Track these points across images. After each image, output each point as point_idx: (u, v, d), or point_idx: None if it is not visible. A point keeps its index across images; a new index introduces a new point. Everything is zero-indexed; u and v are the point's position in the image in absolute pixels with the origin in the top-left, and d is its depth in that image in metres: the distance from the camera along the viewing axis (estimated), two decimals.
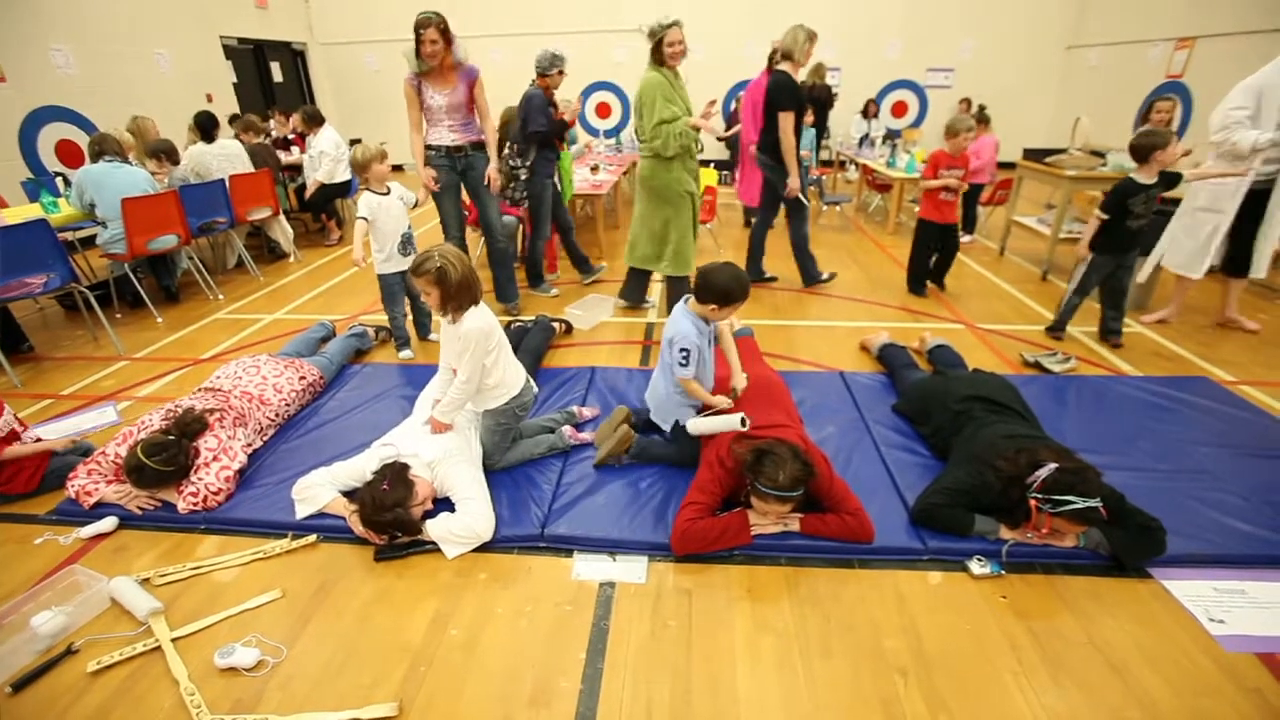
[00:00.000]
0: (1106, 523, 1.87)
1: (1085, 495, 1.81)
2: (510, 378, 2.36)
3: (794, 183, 4.06)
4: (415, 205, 3.25)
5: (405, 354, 3.48)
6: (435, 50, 3.24)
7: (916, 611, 1.82)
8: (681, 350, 2.22)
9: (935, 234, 4.25)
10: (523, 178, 4.16)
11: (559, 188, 4.42)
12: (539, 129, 3.99)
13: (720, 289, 2.16)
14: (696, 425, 2.29)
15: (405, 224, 3.24)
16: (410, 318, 3.60)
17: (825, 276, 4.56)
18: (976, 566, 1.94)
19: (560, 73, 4.03)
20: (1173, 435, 2.59)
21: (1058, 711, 1.53)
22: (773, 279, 4.64)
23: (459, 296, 2.15)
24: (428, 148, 3.55)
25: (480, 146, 3.62)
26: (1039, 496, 1.85)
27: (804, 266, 4.49)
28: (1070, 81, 9.07)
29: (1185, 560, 1.95)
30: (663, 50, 3.36)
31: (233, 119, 6.50)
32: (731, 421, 2.15)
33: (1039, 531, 1.94)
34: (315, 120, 5.78)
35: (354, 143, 6.91)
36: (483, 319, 2.21)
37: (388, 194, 3.16)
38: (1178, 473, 2.34)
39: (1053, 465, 1.87)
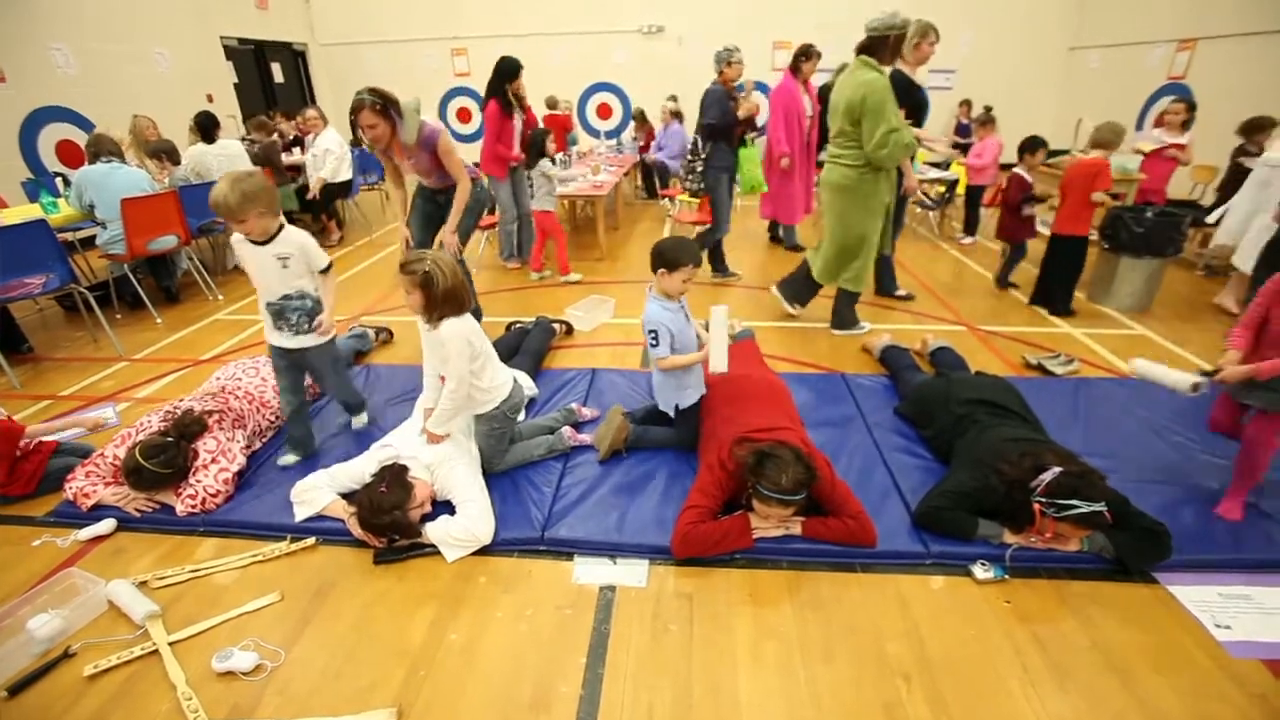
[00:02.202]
0: (1111, 527, 1.86)
1: (1089, 499, 1.80)
2: (498, 382, 2.33)
3: (910, 181, 3.84)
4: (327, 270, 2.32)
5: (285, 459, 2.51)
6: (378, 135, 2.91)
7: (919, 616, 1.81)
8: (650, 332, 2.30)
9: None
10: (699, 169, 4.22)
11: (738, 181, 4.45)
12: (710, 121, 4.06)
13: (657, 252, 2.27)
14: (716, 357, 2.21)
15: (285, 291, 2.26)
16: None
17: (904, 293, 4.30)
18: (980, 571, 1.93)
19: (729, 64, 4.03)
20: (1176, 438, 2.57)
21: (1062, 717, 1.52)
22: (909, 297, 4.30)
23: (442, 306, 2.09)
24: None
25: None
26: (1043, 500, 1.84)
27: (883, 277, 4.28)
28: (1072, 83, 9.06)
29: (1190, 565, 1.94)
30: (889, 50, 3.07)
31: (250, 116, 6.51)
32: (718, 319, 2.21)
33: (1043, 536, 1.92)
34: (321, 119, 5.82)
35: (355, 144, 6.91)
36: (462, 324, 2.16)
37: (264, 244, 2.20)
38: (1181, 476, 2.32)
39: (1056, 469, 1.85)
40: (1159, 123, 4.81)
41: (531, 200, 4.74)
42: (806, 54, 4.55)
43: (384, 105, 2.89)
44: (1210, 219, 4.21)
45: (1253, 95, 5.77)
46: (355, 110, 2.87)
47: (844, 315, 3.72)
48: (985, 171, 5.43)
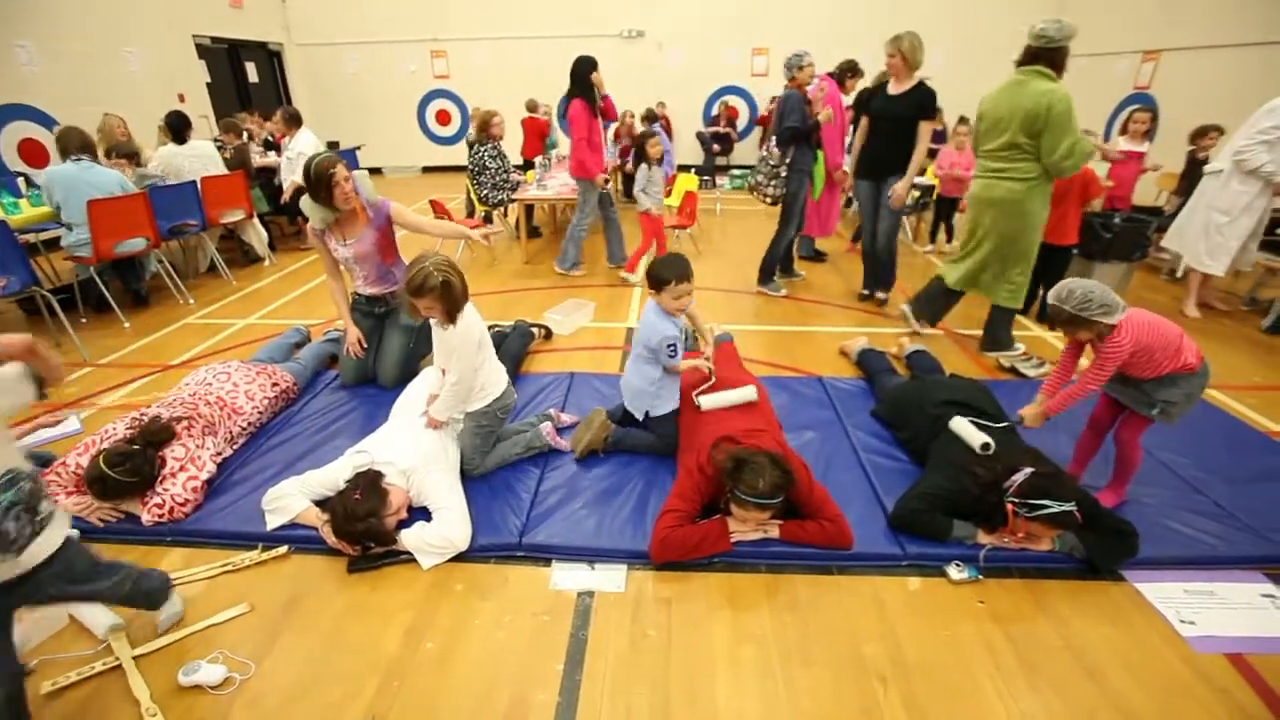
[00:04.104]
0: (1081, 527, 1.90)
1: (1060, 499, 1.83)
2: (494, 379, 2.37)
3: (901, 191, 3.87)
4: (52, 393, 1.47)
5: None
6: (351, 189, 2.79)
7: (895, 617, 1.83)
8: (669, 345, 2.35)
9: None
10: (783, 174, 4.19)
11: (811, 186, 4.44)
12: (794, 124, 4.05)
13: (649, 273, 2.35)
14: (710, 400, 2.37)
15: None
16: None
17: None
18: (955, 571, 1.95)
19: (800, 69, 4.04)
20: (1143, 439, 2.63)
21: (1034, 715, 1.54)
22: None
23: (460, 304, 2.18)
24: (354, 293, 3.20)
25: None
26: (1015, 500, 1.87)
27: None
28: None
29: (1156, 562, 1.98)
30: (1062, 60, 2.95)
31: (223, 117, 6.36)
32: (746, 394, 2.36)
33: (1015, 535, 1.96)
34: (294, 121, 5.67)
35: (332, 145, 6.79)
36: (472, 323, 2.23)
37: None
38: (1145, 476, 2.37)
39: (1028, 469, 1.89)
40: (1123, 130, 4.93)
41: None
42: (854, 70, 4.61)
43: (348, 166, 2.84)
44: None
45: (1211, 104, 5.96)
46: (330, 165, 2.75)
47: (1000, 336, 3.48)
48: (964, 182, 5.30)
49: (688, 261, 2.32)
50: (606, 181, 4.78)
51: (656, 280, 2.31)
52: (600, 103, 4.61)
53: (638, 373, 2.48)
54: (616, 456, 2.52)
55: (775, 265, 4.56)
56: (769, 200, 4.33)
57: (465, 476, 2.31)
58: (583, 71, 4.47)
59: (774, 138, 4.19)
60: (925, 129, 3.79)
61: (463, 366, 2.24)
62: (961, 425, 2.26)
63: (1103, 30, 8.01)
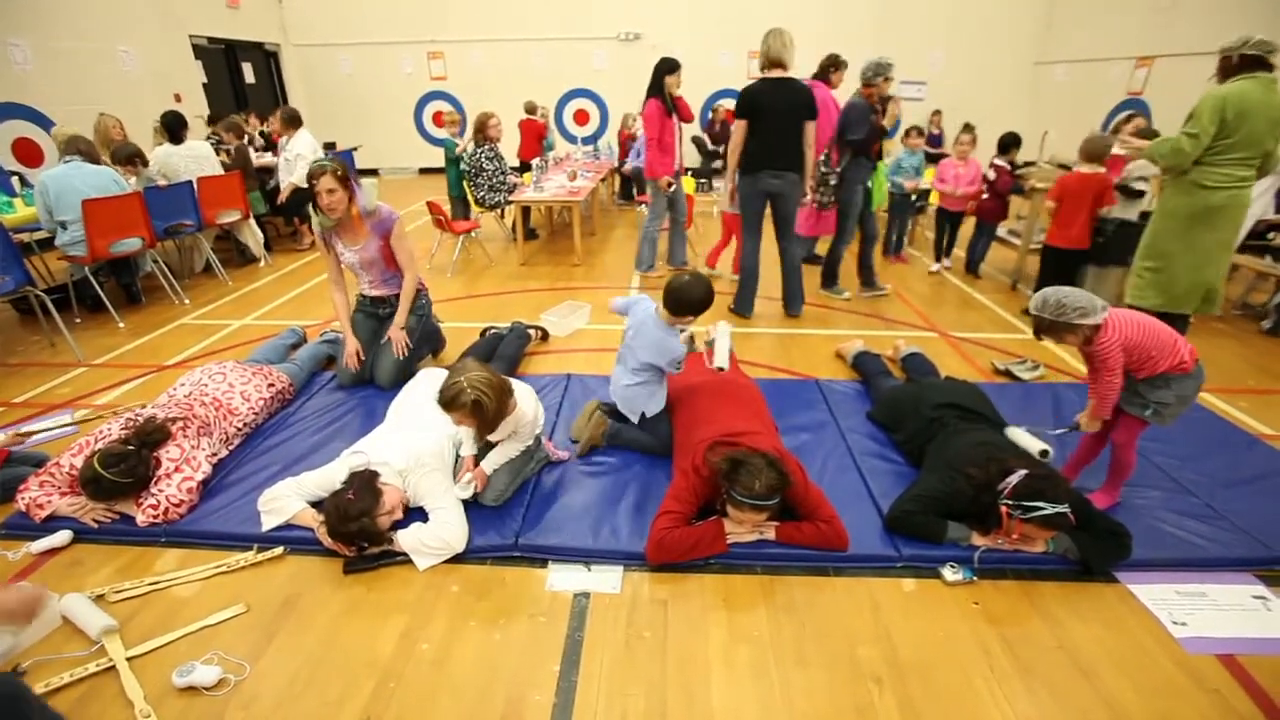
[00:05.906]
0: (1074, 528, 1.91)
1: (1053, 501, 1.85)
2: (539, 418, 2.34)
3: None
4: None
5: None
6: (335, 201, 2.81)
7: (891, 619, 1.83)
8: (677, 361, 2.42)
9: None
10: (832, 183, 4.14)
11: (869, 195, 4.39)
12: (856, 137, 3.97)
13: (688, 298, 2.33)
14: (721, 354, 2.44)
15: None
16: None
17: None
18: (950, 573, 1.96)
19: (886, 80, 3.96)
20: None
21: (1029, 716, 1.55)
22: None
23: (495, 422, 2.08)
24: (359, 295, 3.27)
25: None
26: (1009, 503, 1.88)
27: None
28: (1040, 96, 9.34)
29: (1149, 564, 1.99)
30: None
31: (219, 117, 6.31)
32: (724, 329, 2.51)
33: (1010, 537, 1.97)
34: (294, 122, 5.65)
35: (329, 146, 6.76)
36: (522, 417, 2.18)
37: None
38: (1140, 478, 2.38)
39: (1022, 472, 1.90)
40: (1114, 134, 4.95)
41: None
42: (835, 64, 4.31)
43: (345, 174, 2.84)
44: None
45: None
46: (316, 175, 2.78)
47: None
48: (965, 199, 4.99)
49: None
50: (670, 185, 4.73)
51: (692, 308, 2.32)
52: (675, 104, 4.53)
53: (630, 378, 2.48)
54: (613, 458, 2.53)
55: (835, 270, 4.58)
56: (819, 206, 4.24)
57: (484, 507, 2.25)
58: (658, 71, 4.43)
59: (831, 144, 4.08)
60: (735, 127, 3.73)
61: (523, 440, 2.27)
62: (1018, 434, 2.29)
63: (1098, 36, 8.07)
